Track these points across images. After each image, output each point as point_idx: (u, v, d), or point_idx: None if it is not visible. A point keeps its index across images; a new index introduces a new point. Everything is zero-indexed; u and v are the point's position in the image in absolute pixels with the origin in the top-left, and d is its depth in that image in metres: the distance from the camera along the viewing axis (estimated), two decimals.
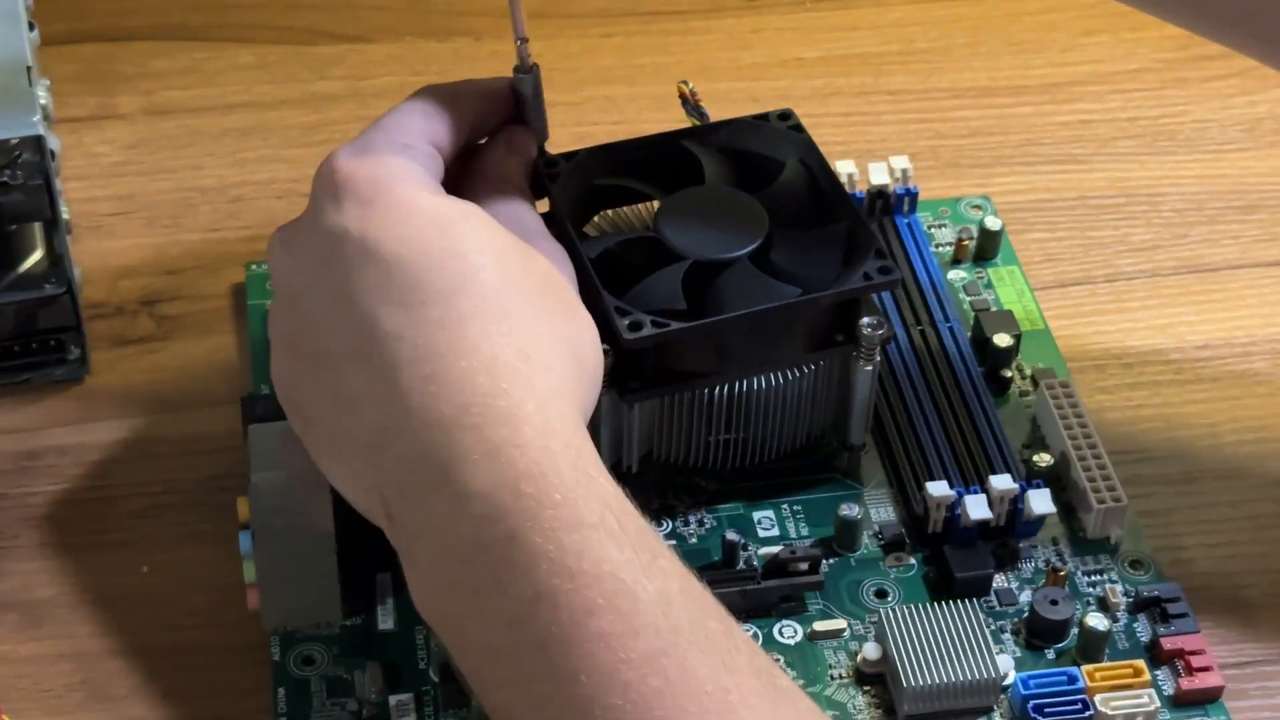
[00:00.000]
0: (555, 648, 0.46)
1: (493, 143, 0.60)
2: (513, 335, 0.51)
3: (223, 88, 0.79)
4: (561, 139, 0.78)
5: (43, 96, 0.65)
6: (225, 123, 0.78)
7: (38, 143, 0.62)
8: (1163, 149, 0.78)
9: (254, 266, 0.70)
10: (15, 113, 0.63)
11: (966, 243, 0.71)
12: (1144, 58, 0.82)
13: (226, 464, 0.64)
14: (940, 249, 0.71)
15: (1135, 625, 0.60)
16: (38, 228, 0.66)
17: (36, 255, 0.65)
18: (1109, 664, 0.58)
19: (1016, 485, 0.60)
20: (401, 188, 0.53)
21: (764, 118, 0.63)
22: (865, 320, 0.59)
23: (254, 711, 0.58)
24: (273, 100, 0.79)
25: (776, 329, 0.59)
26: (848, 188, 0.70)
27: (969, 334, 0.67)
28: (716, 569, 0.60)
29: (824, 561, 0.60)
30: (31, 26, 0.68)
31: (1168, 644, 0.58)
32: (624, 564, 0.47)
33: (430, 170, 0.55)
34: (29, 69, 0.64)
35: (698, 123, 0.63)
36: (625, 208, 0.63)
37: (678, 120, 0.79)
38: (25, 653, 0.59)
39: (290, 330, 0.54)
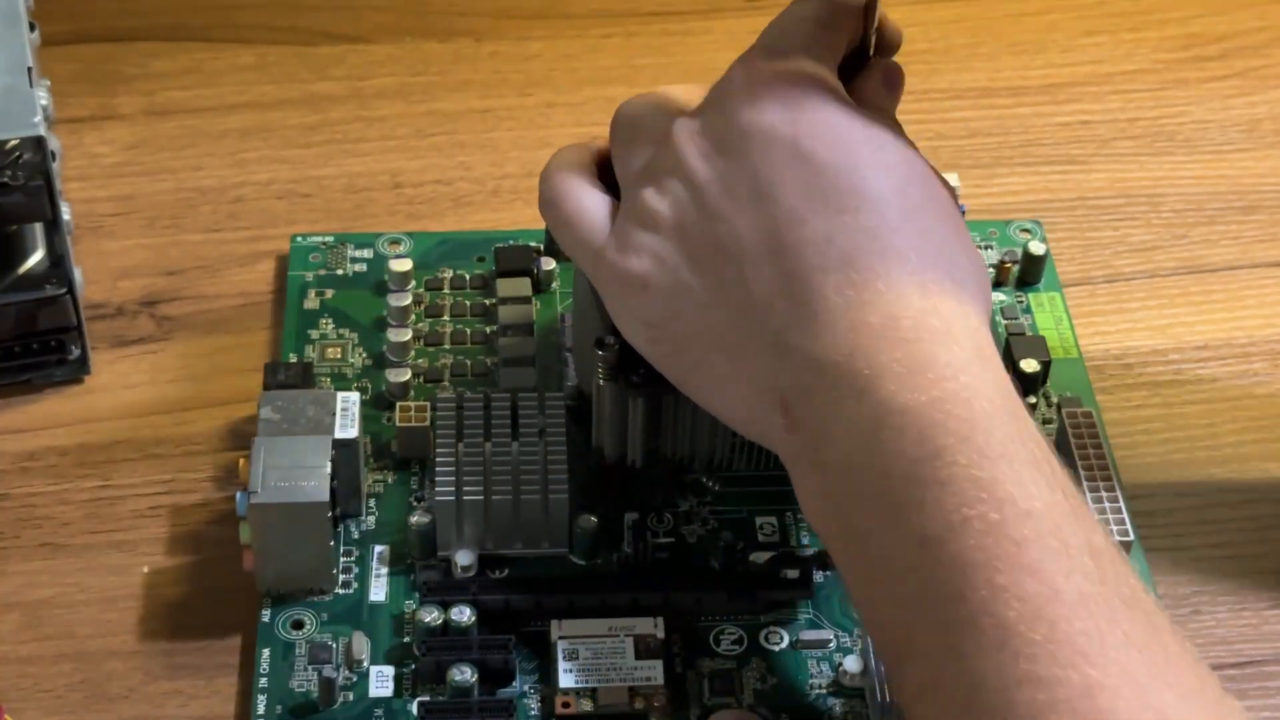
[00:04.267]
0: (978, 574, 0.44)
1: (868, 75, 0.56)
2: (940, 254, 0.50)
3: (223, 88, 0.79)
4: (561, 139, 0.78)
5: (43, 97, 0.65)
6: (225, 123, 0.78)
7: (38, 143, 0.62)
8: (1162, 149, 0.78)
9: (299, 238, 0.71)
10: (15, 113, 0.63)
11: (1009, 266, 0.70)
12: (1144, 58, 0.82)
13: (226, 464, 0.64)
14: None
15: None
16: (38, 228, 0.65)
17: (37, 256, 0.65)
18: None
19: None
20: (826, 94, 0.52)
21: None
22: None
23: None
24: (273, 100, 0.79)
25: None
26: None
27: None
28: (710, 570, 0.60)
29: (820, 572, 0.60)
30: (32, 27, 0.68)
31: None
32: (1054, 504, 0.46)
33: (835, 76, 0.53)
34: (29, 69, 0.64)
35: None
36: None
37: None
38: (25, 653, 0.59)
39: (679, 218, 0.52)
